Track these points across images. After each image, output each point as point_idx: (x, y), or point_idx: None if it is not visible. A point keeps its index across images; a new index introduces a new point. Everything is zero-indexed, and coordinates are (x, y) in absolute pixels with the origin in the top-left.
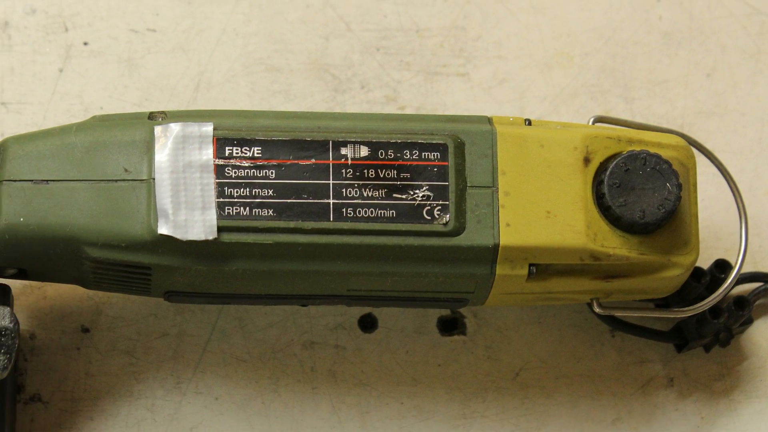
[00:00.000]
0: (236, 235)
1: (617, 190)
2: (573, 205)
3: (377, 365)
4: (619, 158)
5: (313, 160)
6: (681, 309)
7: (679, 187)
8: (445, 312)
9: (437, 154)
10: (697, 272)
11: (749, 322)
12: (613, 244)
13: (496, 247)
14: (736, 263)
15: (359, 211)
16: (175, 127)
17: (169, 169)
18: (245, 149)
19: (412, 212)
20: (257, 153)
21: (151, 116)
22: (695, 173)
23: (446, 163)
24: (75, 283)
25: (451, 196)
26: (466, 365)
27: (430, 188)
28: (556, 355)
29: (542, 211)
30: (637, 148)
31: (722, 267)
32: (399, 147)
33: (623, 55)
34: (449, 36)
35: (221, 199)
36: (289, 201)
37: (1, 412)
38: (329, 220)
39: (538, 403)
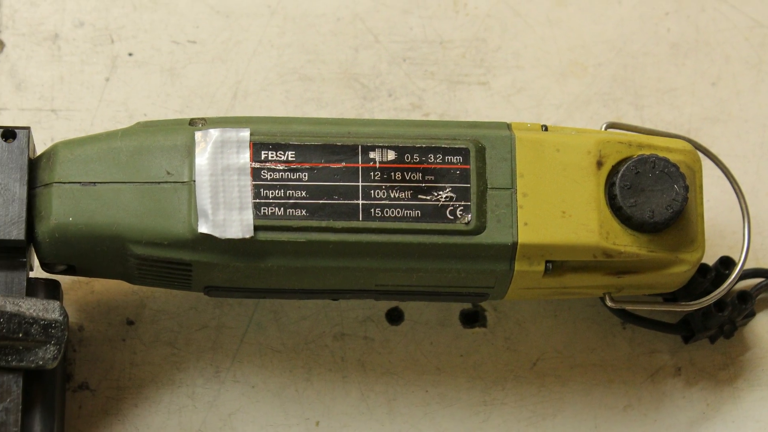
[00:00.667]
0: (271, 234)
1: (628, 191)
2: (587, 205)
3: (403, 355)
4: (630, 162)
5: (344, 164)
6: (688, 303)
7: (686, 188)
8: (467, 305)
9: (460, 158)
10: (703, 268)
11: (752, 315)
12: (624, 242)
13: (515, 245)
14: (739, 260)
15: (386, 211)
16: (214, 133)
17: (209, 172)
18: (280, 153)
19: (436, 212)
20: (291, 157)
21: (192, 122)
22: (701, 176)
23: (468, 167)
24: (120, 278)
25: (473, 197)
26: (486, 355)
27: (453, 190)
28: (571, 345)
29: (558, 211)
30: (647, 153)
31: (726, 263)
32: (424, 151)
33: (634, 65)
34: (471, 47)
35: (257, 200)
36: (320, 202)
37: (52, 400)
38: (358, 220)
39: (554, 391)
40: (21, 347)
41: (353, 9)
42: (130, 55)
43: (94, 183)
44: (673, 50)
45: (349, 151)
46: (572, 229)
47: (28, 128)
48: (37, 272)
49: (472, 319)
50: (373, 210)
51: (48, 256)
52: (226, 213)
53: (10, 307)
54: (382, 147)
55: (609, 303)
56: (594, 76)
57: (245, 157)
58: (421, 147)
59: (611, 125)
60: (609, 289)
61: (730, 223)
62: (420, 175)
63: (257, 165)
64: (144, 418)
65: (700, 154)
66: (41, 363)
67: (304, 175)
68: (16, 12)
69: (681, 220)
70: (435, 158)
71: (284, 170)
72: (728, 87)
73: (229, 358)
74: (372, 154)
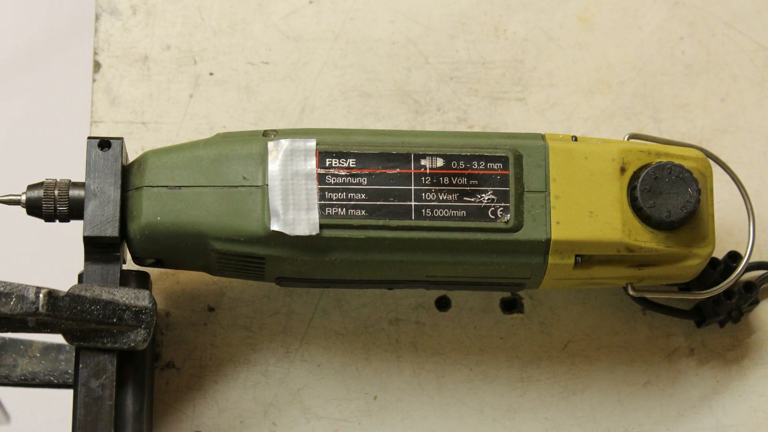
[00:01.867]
0: (335, 231)
1: (648, 194)
2: (611, 206)
3: (451, 338)
4: (649, 168)
5: (398, 170)
6: (700, 292)
7: (699, 191)
8: (507, 294)
9: (500, 165)
10: (713, 261)
11: (756, 302)
12: (644, 238)
13: (548, 241)
14: (745, 254)
15: (436, 212)
16: (284, 143)
17: (280, 177)
18: (342, 160)
19: (479, 212)
20: (352, 164)
21: (265, 134)
22: (712, 180)
23: (507, 172)
24: (202, 270)
25: (511, 199)
26: (523, 338)
27: (494, 193)
28: (598, 329)
29: (586, 211)
30: (664, 160)
31: (734, 257)
32: (468, 159)
33: (652, 84)
34: (510, 68)
35: (322, 202)
36: (378, 203)
37: (142, 377)
38: (411, 219)
39: (582, 369)
40: (115, 331)
41: (406, 34)
42: (211, 74)
43: (180, 187)
44: (687, 70)
45: (403, 158)
46: (599, 227)
47: (121, 139)
48: (129, 265)
49: (511, 306)
50: (424, 210)
51: (139, 251)
52: (295, 213)
53: (105, 296)
54: (432, 155)
55: (631, 292)
56: (618, 93)
57: (312, 164)
58: (466, 155)
59: (633, 136)
60: (631, 280)
61: (737, 222)
62: (465, 179)
63: (322, 171)
64: (223, 393)
65: (711, 162)
66: (133, 345)
67: (364, 180)
68: (111, 36)
69: (694, 219)
70: (478, 165)
71: (346, 175)
72: (735, 102)
73: (298, 340)
74: (423, 161)
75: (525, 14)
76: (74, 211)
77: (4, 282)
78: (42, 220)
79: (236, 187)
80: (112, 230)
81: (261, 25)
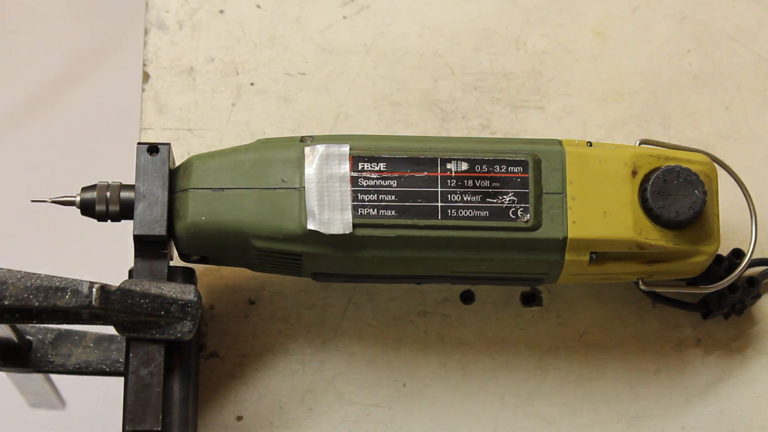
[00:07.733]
0: (367, 230)
1: (657, 195)
2: (623, 207)
3: (475, 329)
4: (659, 171)
5: (426, 173)
6: (706, 286)
7: (705, 193)
8: (526, 288)
9: (520, 168)
10: (718, 258)
11: (758, 296)
12: (654, 236)
13: (565, 239)
14: (748, 251)
15: (460, 212)
16: (320, 148)
17: (316, 180)
18: (374, 164)
19: (501, 213)
20: (383, 167)
21: (302, 139)
22: (717, 183)
23: (527, 175)
24: (244, 266)
25: (531, 200)
26: (542, 329)
27: (515, 194)
28: (611, 321)
29: (600, 211)
30: (673, 164)
31: (737, 254)
32: (491, 163)
33: (662, 93)
34: (529, 78)
35: (355, 203)
36: (407, 204)
37: (188, 365)
38: (438, 219)
39: (597, 358)
40: (163, 323)
41: (433, 47)
42: (252, 84)
43: (223, 189)
44: (694, 81)
45: (430, 162)
46: (612, 226)
47: (168, 144)
48: (176, 261)
49: (530, 299)
50: (449, 210)
51: (185, 249)
52: (330, 213)
53: (154, 290)
54: (457, 159)
55: (642, 286)
56: (630, 102)
57: (345, 168)
58: (488, 159)
59: (644, 141)
60: (642, 275)
61: (740, 221)
62: (488, 182)
63: (355, 174)
64: (263, 381)
65: (716, 165)
66: (179, 335)
67: (394, 183)
68: (159, 49)
69: (700, 219)
70: (500, 168)
71: (377, 178)
72: (739, 111)
73: (333, 332)
74: (449, 165)
75: (543, 29)
76: (125, 211)
77: (60, 277)
78: (95, 220)
79: (275, 189)
80: (160, 229)
81: (298, 38)
